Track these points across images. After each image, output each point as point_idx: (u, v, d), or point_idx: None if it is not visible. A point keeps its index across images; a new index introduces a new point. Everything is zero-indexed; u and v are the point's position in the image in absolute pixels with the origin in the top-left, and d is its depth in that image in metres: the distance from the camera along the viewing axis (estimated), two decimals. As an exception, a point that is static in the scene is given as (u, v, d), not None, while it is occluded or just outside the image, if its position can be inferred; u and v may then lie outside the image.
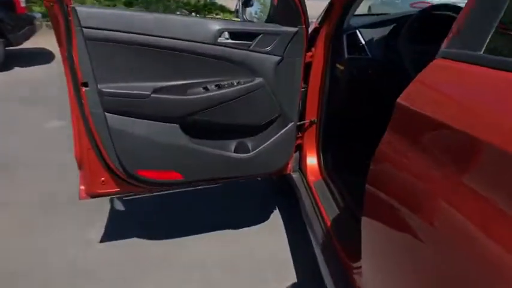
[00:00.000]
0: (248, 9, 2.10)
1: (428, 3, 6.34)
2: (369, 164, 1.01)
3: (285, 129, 1.99)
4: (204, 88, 1.79)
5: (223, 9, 11.90)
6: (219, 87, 1.79)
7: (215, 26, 1.71)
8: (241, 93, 1.80)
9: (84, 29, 1.52)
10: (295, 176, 2.27)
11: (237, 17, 12.94)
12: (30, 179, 2.90)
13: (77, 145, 1.79)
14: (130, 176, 1.81)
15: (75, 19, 1.51)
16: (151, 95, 1.65)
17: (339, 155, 2.22)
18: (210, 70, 1.78)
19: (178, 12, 10.72)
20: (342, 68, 1.97)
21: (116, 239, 2.29)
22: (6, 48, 5.95)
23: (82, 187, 1.88)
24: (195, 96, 1.73)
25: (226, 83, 1.81)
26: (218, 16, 11.39)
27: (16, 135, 3.63)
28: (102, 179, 1.85)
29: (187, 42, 1.67)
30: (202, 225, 2.44)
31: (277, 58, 1.83)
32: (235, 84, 1.80)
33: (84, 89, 1.61)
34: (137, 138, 1.72)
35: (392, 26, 2.29)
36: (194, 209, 2.66)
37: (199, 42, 1.69)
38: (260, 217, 2.56)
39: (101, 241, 2.28)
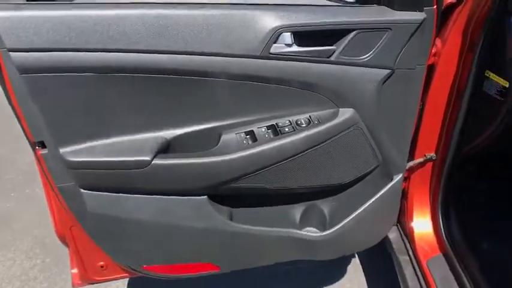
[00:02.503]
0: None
1: None
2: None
3: (388, 186, 1.18)
4: (247, 134, 1.01)
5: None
6: (275, 131, 1.00)
7: (267, 22, 0.89)
8: (316, 139, 1.00)
9: (11, 52, 0.78)
10: (391, 236, 1.47)
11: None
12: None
13: (54, 215, 1.14)
14: (137, 271, 1.14)
15: None
16: (153, 162, 0.92)
17: (478, 215, 1.37)
18: (257, 102, 0.99)
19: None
20: (505, 83, 1.05)
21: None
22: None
23: (74, 271, 1.26)
24: (232, 157, 0.96)
25: (287, 121, 1.01)
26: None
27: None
28: (102, 263, 1.21)
29: (213, 58, 0.89)
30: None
31: (383, 72, 0.98)
32: (303, 124, 1.00)
33: (40, 151, 0.92)
34: (137, 223, 1.02)
35: None
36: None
37: (236, 56, 0.90)
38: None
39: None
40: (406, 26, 0.94)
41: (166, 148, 0.96)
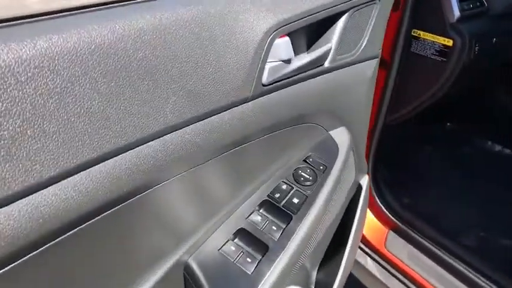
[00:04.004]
0: None
1: None
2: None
3: (362, 195, 0.93)
4: (235, 237, 0.53)
5: None
6: (276, 210, 0.56)
7: (252, 25, 0.41)
8: (331, 195, 0.63)
9: None
10: None
11: None
12: None
13: None
14: None
15: None
16: None
17: (410, 180, 1.31)
18: (235, 178, 0.52)
19: None
20: (446, 41, 0.90)
21: None
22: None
23: None
24: None
25: (284, 185, 0.59)
26: None
27: None
28: None
29: (164, 139, 0.36)
30: None
31: (372, 64, 0.68)
32: (309, 178, 0.60)
33: None
34: None
35: None
36: None
37: (208, 116, 0.39)
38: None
39: None
40: None
41: None
